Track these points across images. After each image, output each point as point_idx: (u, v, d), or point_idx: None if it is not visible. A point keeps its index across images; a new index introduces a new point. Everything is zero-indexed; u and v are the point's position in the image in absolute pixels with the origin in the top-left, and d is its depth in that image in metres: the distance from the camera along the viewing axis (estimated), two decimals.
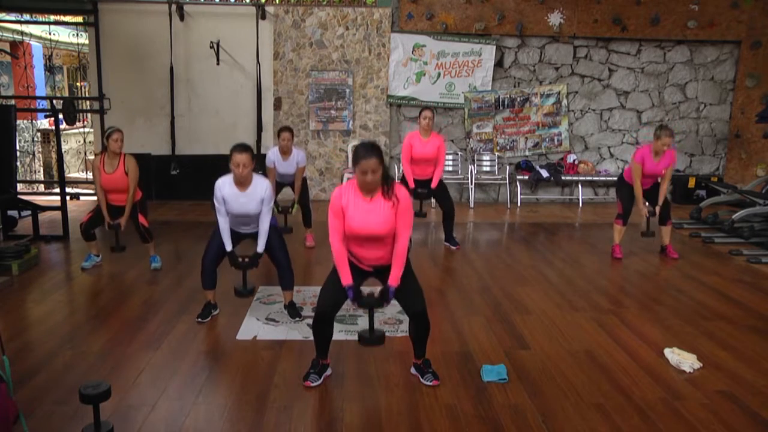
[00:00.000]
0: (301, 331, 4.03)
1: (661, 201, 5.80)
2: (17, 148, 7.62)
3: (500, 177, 8.83)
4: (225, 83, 8.48)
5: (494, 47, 8.62)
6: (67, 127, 8.88)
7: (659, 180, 5.79)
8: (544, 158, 9.05)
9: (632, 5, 8.55)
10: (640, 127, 9.10)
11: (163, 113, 8.45)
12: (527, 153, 9.01)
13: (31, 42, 12.11)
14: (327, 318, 3.24)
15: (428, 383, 3.32)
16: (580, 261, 5.94)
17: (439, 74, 8.67)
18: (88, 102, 11.03)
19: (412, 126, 8.71)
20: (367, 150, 2.97)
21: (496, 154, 8.93)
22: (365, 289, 3.24)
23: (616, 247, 6.04)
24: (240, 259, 4.11)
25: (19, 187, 8.38)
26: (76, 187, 9.37)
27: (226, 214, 4.04)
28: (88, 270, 5.36)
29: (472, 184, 8.70)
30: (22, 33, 10.86)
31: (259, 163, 5.99)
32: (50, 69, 11.78)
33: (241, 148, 3.88)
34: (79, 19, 8.75)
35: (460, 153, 8.88)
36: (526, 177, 8.75)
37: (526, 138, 8.98)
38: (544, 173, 8.69)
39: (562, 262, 5.92)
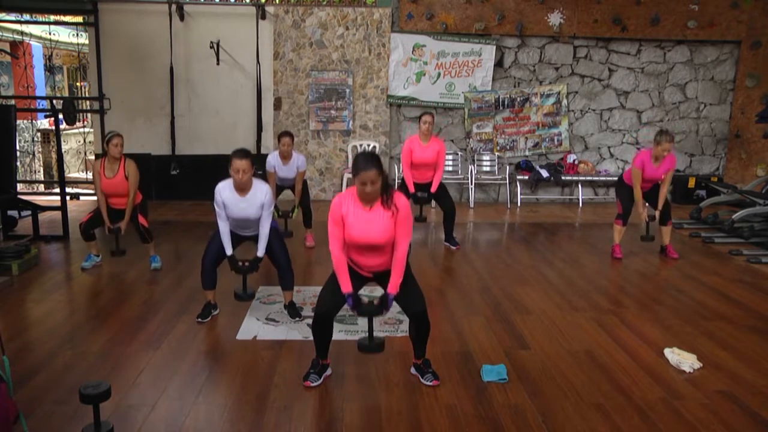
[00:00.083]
0: (301, 331, 4.03)
1: (660, 205, 5.82)
2: (17, 148, 7.61)
3: (500, 177, 8.83)
4: (225, 83, 8.48)
5: (494, 47, 8.62)
6: (67, 127, 8.88)
7: (659, 182, 5.81)
8: (544, 158, 9.05)
9: (632, 5, 8.55)
10: (640, 127, 9.10)
11: (163, 113, 8.45)
12: (527, 153, 9.01)
13: (31, 42, 12.11)
14: (327, 318, 3.24)
15: (428, 383, 3.32)
16: (580, 261, 5.94)
17: (439, 74, 8.67)
18: (88, 102, 11.03)
19: (412, 126, 8.72)
20: (367, 161, 2.97)
21: (496, 154, 8.93)
22: (364, 297, 3.24)
23: (616, 247, 6.04)
24: (240, 264, 4.12)
25: (19, 187, 8.37)
26: (76, 187, 9.37)
27: (226, 219, 4.04)
28: (88, 270, 5.36)
29: (472, 184, 8.70)
30: (22, 33, 10.86)
31: (260, 164, 6.00)
32: (50, 69, 11.78)
33: (241, 154, 3.88)
34: (79, 19, 8.75)
35: (460, 153, 8.88)
36: (526, 177, 8.75)
37: (526, 138, 8.98)
38: (544, 173, 8.69)
39: (562, 262, 5.92)
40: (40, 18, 9.82)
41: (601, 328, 4.21)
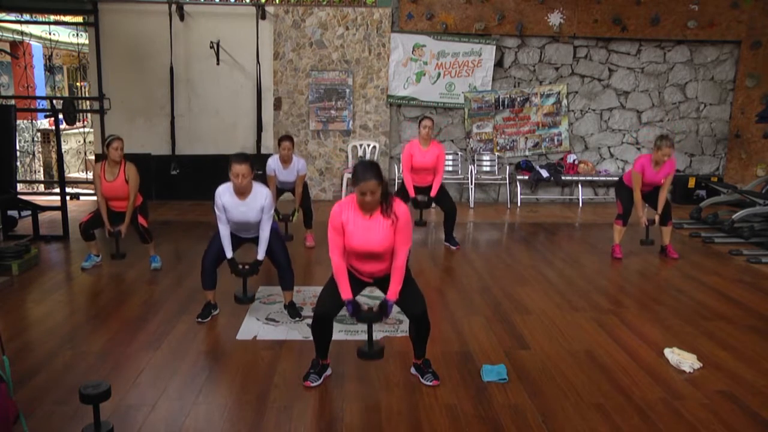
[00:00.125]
0: (301, 331, 4.03)
1: (660, 208, 5.84)
2: (17, 148, 7.61)
3: (500, 177, 8.83)
4: (225, 83, 8.48)
5: (494, 47, 8.62)
6: (67, 127, 8.88)
7: (659, 186, 5.82)
8: (544, 158, 9.05)
9: (632, 5, 8.55)
10: (640, 127, 9.10)
11: (163, 113, 8.45)
12: (527, 153, 9.01)
13: (31, 42, 12.11)
14: (326, 319, 3.25)
15: (428, 383, 3.32)
16: (580, 261, 5.94)
17: (439, 74, 8.67)
18: (88, 102, 11.03)
19: (412, 126, 8.72)
20: (366, 171, 2.97)
21: (496, 154, 8.93)
22: (365, 305, 3.25)
23: (616, 247, 6.04)
24: (240, 267, 4.12)
25: (19, 187, 8.37)
26: (76, 187, 9.37)
27: (226, 222, 4.04)
28: (88, 270, 5.36)
29: (472, 184, 8.70)
30: (22, 33, 10.86)
31: (259, 164, 6.00)
32: (50, 69, 11.79)
33: (241, 158, 3.87)
34: (79, 19, 8.75)
35: (460, 153, 8.88)
36: (526, 177, 8.75)
37: (526, 138, 8.98)
38: (544, 173, 8.69)
39: (562, 262, 5.92)
40: (40, 18, 9.82)
41: (601, 328, 4.21)
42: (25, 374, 3.34)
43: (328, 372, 3.42)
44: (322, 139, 8.71)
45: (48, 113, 9.68)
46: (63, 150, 7.17)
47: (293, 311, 4.26)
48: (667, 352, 3.74)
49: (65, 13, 8.77)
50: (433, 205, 6.29)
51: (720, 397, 3.27)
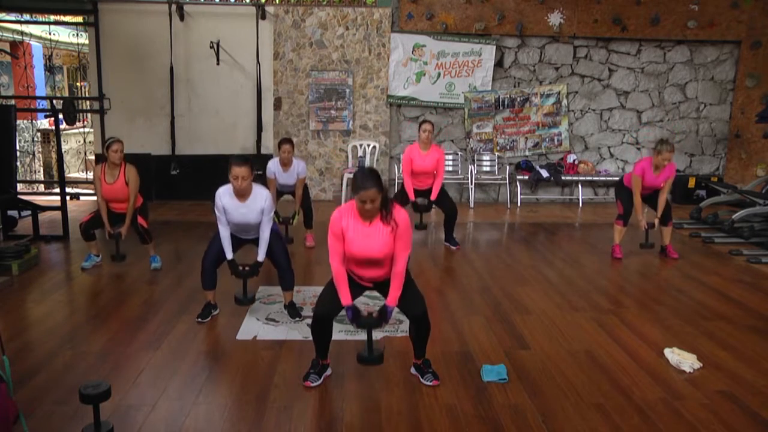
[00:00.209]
0: (301, 331, 4.03)
1: (660, 212, 5.85)
2: (17, 148, 7.61)
3: (500, 177, 8.83)
4: (225, 83, 8.48)
5: (494, 47, 8.62)
6: (67, 127, 8.88)
7: (659, 189, 5.84)
8: (544, 158, 9.05)
9: (632, 5, 8.55)
10: (640, 127, 9.10)
11: (163, 113, 8.45)
12: (527, 153, 9.01)
13: (31, 42, 12.11)
14: (326, 320, 3.26)
15: (428, 383, 3.32)
16: (580, 261, 5.94)
17: (439, 74, 8.67)
18: (88, 102, 11.03)
19: (412, 126, 8.73)
20: (366, 180, 2.97)
21: (496, 154, 8.93)
22: (363, 309, 3.26)
23: (616, 247, 6.04)
24: (240, 268, 4.12)
25: (19, 187, 8.37)
26: (76, 187, 9.37)
27: (226, 223, 4.04)
28: (88, 270, 5.36)
29: (472, 184, 8.70)
30: (22, 33, 10.86)
31: (259, 164, 6.00)
32: (50, 69, 11.78)
33: (240, 160, 3.87)
34: (79, 19, 8.75)
35: (460, 153, 8.88)
36: (526, 177, 8.75)
37: (526, 138, 8.98)
38: (544, 173, 8.69)
39: (562, 262, 5.92)
40: (40, 18, 9.81)
41: (601, 328, 4.21)
42: (25, 374, 3.34)
43: (328, 372, 3.42)
44: (322, 139, 8.71)
45: (48, 113, 9.68)
46: (63, 150, 7.17)
47: (293, 311, 4.26)
48: (667, 352, 3.74)
49: (65, 13, 8.77)
50: (434, 207, 6.30)
51: (720, 397, 3.27)
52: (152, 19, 8.21)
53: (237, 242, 4.19)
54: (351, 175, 8.51)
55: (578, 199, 8.92)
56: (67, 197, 6.83)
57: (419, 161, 5.92)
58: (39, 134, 11.91)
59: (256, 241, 4.17)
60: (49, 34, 10.89)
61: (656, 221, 5.87)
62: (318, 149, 8.73)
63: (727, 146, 9.22)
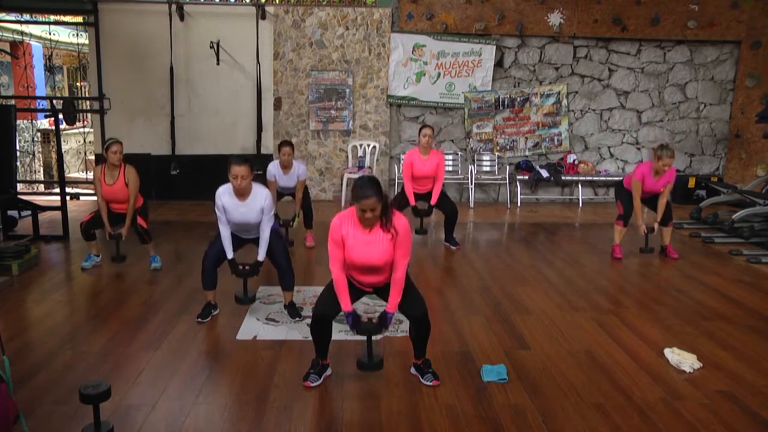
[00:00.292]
0: (301, 331, 4.04)
1: (660, 216, 5.85)
2: (17, 148, 7.61)
3: (500, 177, 8.83)
4: (225, 83, 8.48)
5: (494, 47, 8.62)
6: (67, 127, 8.88)
7: (659, 193, 5.85)
8: (544, 158, 9.05)
9: (632, 5, 8.55)
10: (640, 127, 9.10)
11: (163, 113, 8.45)
12: (527, 153, 9.01)
13: (31, 42, 12.11)
14: (326, 320, 3.26)
15: (428, 383, 3.33)
16: (580, 261, 5.94)
17: (439, 74, 8.67)
18: (88, 102, 11.03)
19: (413, 126, 8.73)
20: (366, 189, 2.97)
21: (496, 154, 8.93)
22: (363, 314, 3.27)
23: (616, 247, 6.04)
24: (240, 267, 4.13)
25: (19, 187, 8.37)
26: (76, 187, 9.37)
27: (227, 223, 4.05)
28: (88, 270, 5.36)
29: (472, 184, 8.70)
30: (22, 33, 10.86)
31: (259, 164, 6.00)
32: (50, 69, 11.78)
33: (240, 159, 3.87)
34: (79, 19, 8.75)
35: (460, 153, 8.88)
36: (526, 177, 8.75)
37: (526, 138, 8.98)
38: (544, 173, 8.69)
39: (562, 262, 5.92)
40: (40, 18, 9.81)
41: (601, 328, 4.21)
42: (25, 374, 3.34)
43: (328, 372, 3.42)
44: (322, 139, 8.71)
45: (48, 113, 9.69)
46: (63, 150, 7.17)
47: (293, 311, 4.26)
48: (667, 352, 3.74)
49: (65, 13, 8.78)
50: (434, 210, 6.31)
51: (720, 397, 3.27)
52: (152, 19, 8.21)
53: (237, 242, 4.20)
54: (351, 175, 8.53)
55: (578, 199, 8.92)
56: (67, 197, 6.83)
57: (419, 166, 5.95)
58: (39, 134, 11.91)
59: (256, 241, 4.17)
60: (49, 34, 10.89)
61: (656, 225, 5.88)
62: (318, 149, 8.73)
63: (727, 146, 9.22)
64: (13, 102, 9.77)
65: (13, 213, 6.56)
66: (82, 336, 3.95)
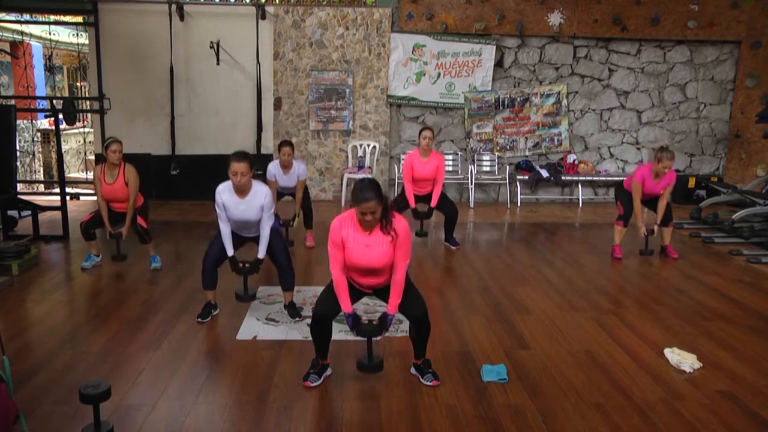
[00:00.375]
0: (301, 331, 4.03)
1: (659, 218, 5.86)
2: (17, 148, 7.61)
3: (500, 177, 8.82)
4: (225, 83, 8.48)
5: (494, 47, 8.62)
6: (67, 127, 8.88)
7: (659, 195, 5.85)
8: (544, 158, 9.05)
9: (632, 5, 8.55)
10: (640, 127, 9.10)
11: (163, 113, 8.45)
12: (527, 153, 9.01)
13: (31, 42, 12.11)
14: (325, 320, 3.26)
15: (428, 383, 3.33)
16: (580, 261, 5.94)
17: (439, 74, 8.67)
18: (88, 102, 11.03)
19: (413, 126, 8.73)
20: (366, 192, 2.96)
21: (496, 154, 8.93)
22: (363, 315, 3.27)
23: (616, 247, 6.04)
24: (241, 265, 4.13)
25: (19, 187, 8.37)
26: (76, 187, 9.37)
27: (227, 220, 4.05)
28: (88, 270, 5.36)
29: (472, 184, 8.69)
30: (22, 33, 10.86)
31: (259, 164, 5.99)
32: (50, 69, 11.78)
33: (239, 156, 3.87)
34: (79, 19, 8.75)
35: (460, 153, 8.88)
36: (526, 177, 8.75)
37: (526, 138, 8.98)
38: (544, 173, 8.69)
39: (562, 262, 5.92)
40: (40, 18, 9.81)
41: (601, 328, 4.21)
42: (25, 374, 3.34)
43: (328, 372, 3.42)
44: (322, 139, 8.71)
45: (48, 113, 9.69)
46: (63, 150, 7.17)
47: (293, 311, 4.26)
48: (667, 352, 3.74)
49: (65, 13, 8.78)
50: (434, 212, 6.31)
51: (720, 397, 3.27)
52: (152, 19, 8.21)
53: (238, 240, 4.20)
54: (351, 176, 8.53)
55: (578, 199, 8.92)
56: (67, 197, 6.83)
57: (419, 168, 5.95)
58: (39, 134, 11.91)
59: (256, 240, 4.18)
60: (49, 34, 10.89)
61: (656, 227, 5.88)
62: (318, 149, 8.73)
63: (727, 146, 9.22)
64: (13, 102, 9.77)
65: (13, 213, 6.56)
66: (82, 336, 3.95)
